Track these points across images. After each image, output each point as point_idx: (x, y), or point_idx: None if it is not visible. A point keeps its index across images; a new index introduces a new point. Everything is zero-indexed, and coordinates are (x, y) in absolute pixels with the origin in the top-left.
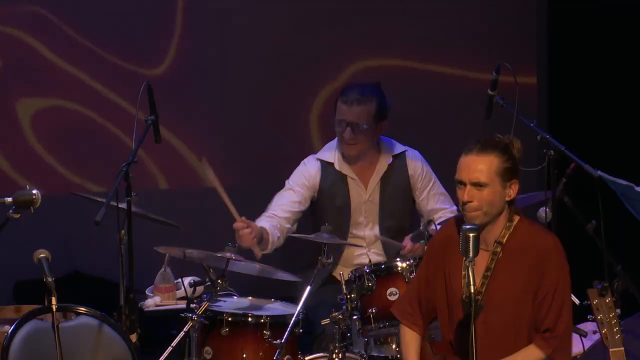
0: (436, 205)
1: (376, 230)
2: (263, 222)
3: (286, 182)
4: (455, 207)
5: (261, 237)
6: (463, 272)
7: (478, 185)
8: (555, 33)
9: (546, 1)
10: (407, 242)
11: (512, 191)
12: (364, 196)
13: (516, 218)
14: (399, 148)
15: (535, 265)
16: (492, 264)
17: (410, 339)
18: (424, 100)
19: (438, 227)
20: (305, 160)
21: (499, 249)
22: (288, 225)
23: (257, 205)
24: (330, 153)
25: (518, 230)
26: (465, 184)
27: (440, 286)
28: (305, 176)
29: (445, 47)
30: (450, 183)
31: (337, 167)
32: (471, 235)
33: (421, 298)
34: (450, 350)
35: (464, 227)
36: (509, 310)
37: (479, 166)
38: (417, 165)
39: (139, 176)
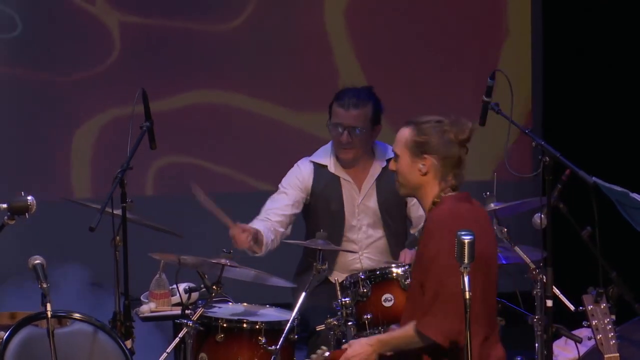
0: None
1: (370, 233)
2: (257, 224)
3: (279, 185)
4: None
5: (256, 237)
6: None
7: (395, 155)
8: (549, 39)
9: (540, 6)
10: (402, 257)
11: (423, 167)
12: (358, 199)
13: (450, 195)
14: (392, 152)
15: (434, 241)
16: (423, 233)
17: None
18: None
19: None
20: (299, 162)
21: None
22: (282, 229)
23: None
24: (324, 156)
25: (438, 205)
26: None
27: None
28: (298, 178)
29: (441, 50)
30: None
31: (330, 169)
32: (466, 241)
33: None
34: None
35: (459, 233)
36: (417, 279)
37: (397, 137)
38: None
39: (134, 182)
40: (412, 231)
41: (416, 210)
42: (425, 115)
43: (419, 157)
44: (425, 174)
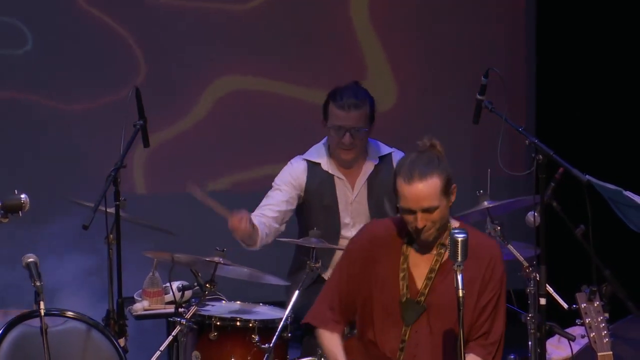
0: None
1: None
2: (253, 218)
3: (273, 182)
4: None
5: (252, 226)
6: (401, 274)
7: (429, 210)
8: (543, 37)
9: (534, 4)
10: None
11: (454, 196)
12: (351, 197)
13: (455, 222)
14: (385, 149)
15: (485, 268)
16: (436, 266)
17: (336, 343)
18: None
19: None
20: (292, 160)
21: (442, 250)
22: (276, 225)
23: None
24: (317, 154)
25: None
26: (415, 212)
27: (367, 287)
28: (291, 175)
29: (434, 49)
30: None
31: (324, 167)
32: (460, 239)
33: (342, 300)
34: (360, 351)
35: (452, 231)
36: (452, 313)
37: (425, 193)
38: None
39: (128, 180)
40: None
41: None
42: (420, 157)
43: (451, 193)
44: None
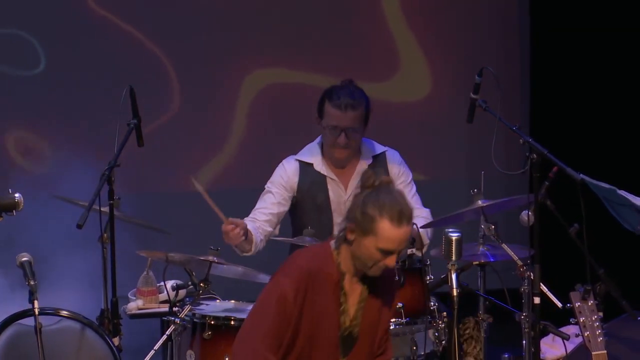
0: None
1: None
2: (247, 224)
3: (266, 185)
4: (427, 210)
5: (246, 234)
6: (340, 308)
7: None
8: (537, 36)
9: (528, 3)
10: None
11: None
12: (344, 197)
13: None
14: (379, 148)
15: (393, 294)
16: (365, 294)
17: None
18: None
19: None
20: (284, 160)
21: (367, 279)
22: (270, 229)
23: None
24: (310, 154)
25: None
26: (393, 252)
27: (307, 326)
28: (282, 177)
29: (428, 49)
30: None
31: (316, 167)
32: (454, 238)
33: (281, 343)
34: None
35: (446, 230)
36: (373, 340)
37: (405, 236)
38: (395, 165)
39: (122, 179)
40: None
41: None
42: (397, 199)
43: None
44: None
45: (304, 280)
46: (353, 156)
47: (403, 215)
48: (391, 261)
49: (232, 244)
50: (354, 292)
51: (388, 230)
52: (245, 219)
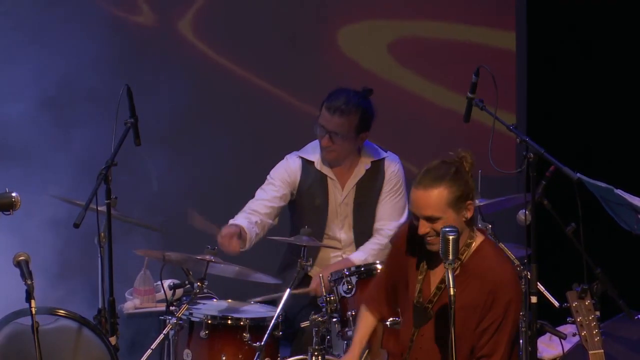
0: (383, 214)
1: (350, 234)
2: (241, 219)
3: (267, 176)
4: (401, 221)
5: (240, 235)
6: (419, 277)
7: (431, 219)
8: (533, 35)
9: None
10: (313, 283)
11: (469, 212)
12: (340, 198)
13: (479, 237)
14: (380, 154)
15: (487, 293)
16: (468, 278)
17: (366, 321)
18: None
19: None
20: (288, 156)
21: (457, 265)
22: (270, 221)
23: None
24: (312, 152)
25: (481, 252)
26: (418, 217)
27: (399, 284)
28: (287, 171)
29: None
30: None
31: (317, 166)
32: (451, 237)
33: (386, 287)
34: (396, 349)
35: (443, 229)
36: (458, 325)
37: (429, 201)
38: (391, 169)
39: (119, 178)
40: (377, 225)
41: (378, 208)
42: (436, 167)
43: (464, 208)
44: (468, 219)
45: (406, 237)
46: (344, 159)
47: (422, 179)
48: (420, 228)
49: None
50: (439, 271)
51: (411, 191)
52: (244, 210)
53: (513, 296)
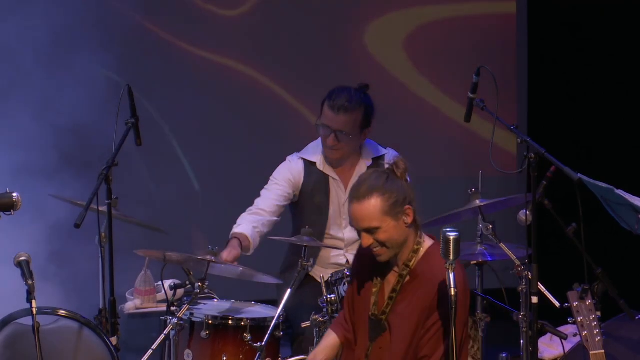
0: None
1: (355, 232)
2: (245, 225)
3: (271, 177)
4: None
5: (241, 248)
6: (373, 289)
7: (370, 230)
8: (533, 35)
9: (526, 5)
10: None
11: (408, 218)
12: (344, 197)
13: (427, 242)
14: (380, 151)
15: (434, 295)
16: (398, 286)
17: (326, 339)
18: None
19: None
20: (289, 157)
21: (405, 272)
22: (275, 218)
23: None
24: (313, 153)
25: (428, 256)
26: (360, 232)
27: (360, 303)
28: (290, 172)
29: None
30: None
31: (319, 167)
32: (452, 237)
33: (351, 309)
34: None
35: (444, 230)
36: (407, 335)
37: (364, 213)
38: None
39: (120, 178)
40: None
41: None
42: (367, 180)
43: (402, 213)
44: (411, 225)
45: (362, 253)
46: (352, 157)
47: (354, 192)
48: (362, 241)
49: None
50: (390, 280)
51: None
52: (250, 211)
53: (459, 299)
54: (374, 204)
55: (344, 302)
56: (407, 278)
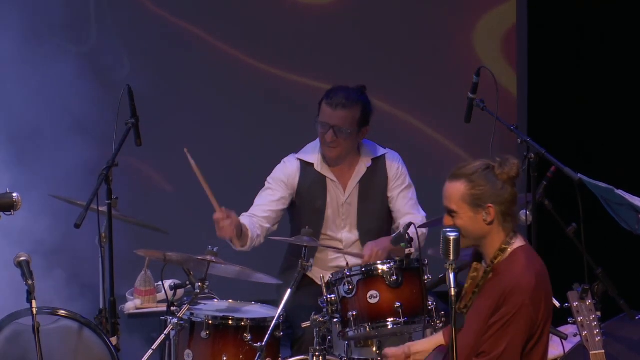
0: (404, 208)
1: (354, 233)
2: (243, 219)
3: (266, 181)
4: (422, 215)
5: (240, 230)
6: (465, 285)
7: (450, 212)
8: (534, 36)
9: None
10: (367, 250)
11: (489, 216)
12: (342, 198)
13: (518, 243)
14: (379, 151)
15: (502, 290)
16: (482, 282)
17: (435, 335)
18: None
19: (418, 229)
20: (286, 159)
21: (489, 269)
22: (267, 225)
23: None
24: (311, 153)
25: (513, 257)
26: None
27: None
28: (284, 174)
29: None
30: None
31: (317, 168)
32: (452, 238)
33: None
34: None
35: (444, 230)
36: (474, 330)
37: (447, 192)
38: (394, 166)
39: (120, 178)
40: (395, 226)
41: (395, 204)
42: (469, 163)
43: (482, 208)
44: (490, 223)
45: None
46: (351, 157)
47: (453, 169)
48: (444, 220)
49: (224, 237)
50: (476, 276)
51: None
52: (244, 214)
53: (527, 301)
54: (457, 187)
55: None
56: (490, 275)
